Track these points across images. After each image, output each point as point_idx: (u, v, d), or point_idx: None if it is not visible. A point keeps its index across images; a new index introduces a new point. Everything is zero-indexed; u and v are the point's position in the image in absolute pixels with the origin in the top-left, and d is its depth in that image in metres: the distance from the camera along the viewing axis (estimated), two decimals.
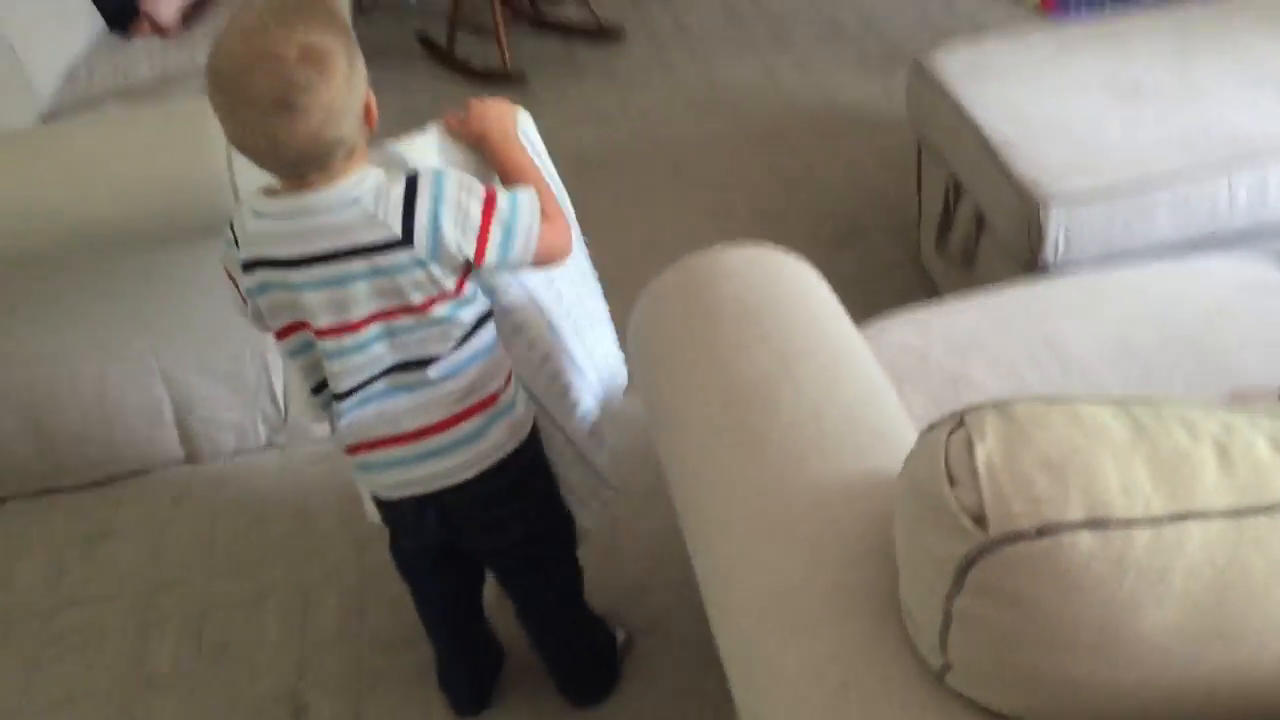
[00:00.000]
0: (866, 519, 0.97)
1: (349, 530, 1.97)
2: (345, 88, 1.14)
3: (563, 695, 1.65)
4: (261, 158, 1.16)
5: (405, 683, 1.72)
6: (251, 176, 1.32)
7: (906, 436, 1.11)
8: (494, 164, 1.36)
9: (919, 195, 2.34)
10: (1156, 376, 1.39)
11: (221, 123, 1.15)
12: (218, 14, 2.79)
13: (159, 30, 2.78)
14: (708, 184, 2.80)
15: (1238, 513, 0.73)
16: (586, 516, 1.58)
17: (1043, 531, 0.72)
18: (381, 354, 1.28)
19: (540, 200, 1.29)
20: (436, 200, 1.21)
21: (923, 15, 3.43)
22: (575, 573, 1.58)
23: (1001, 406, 0.80)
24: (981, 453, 0.76)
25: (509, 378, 1.37)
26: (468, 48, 3.47)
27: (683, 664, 1.69)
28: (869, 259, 2.48)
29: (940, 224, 2.17)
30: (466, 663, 1.66)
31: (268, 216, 1.23)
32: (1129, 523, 0.72)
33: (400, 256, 1.21)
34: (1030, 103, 1.95)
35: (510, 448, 1.39)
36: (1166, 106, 1.88)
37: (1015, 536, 0.72)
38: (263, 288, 1.26)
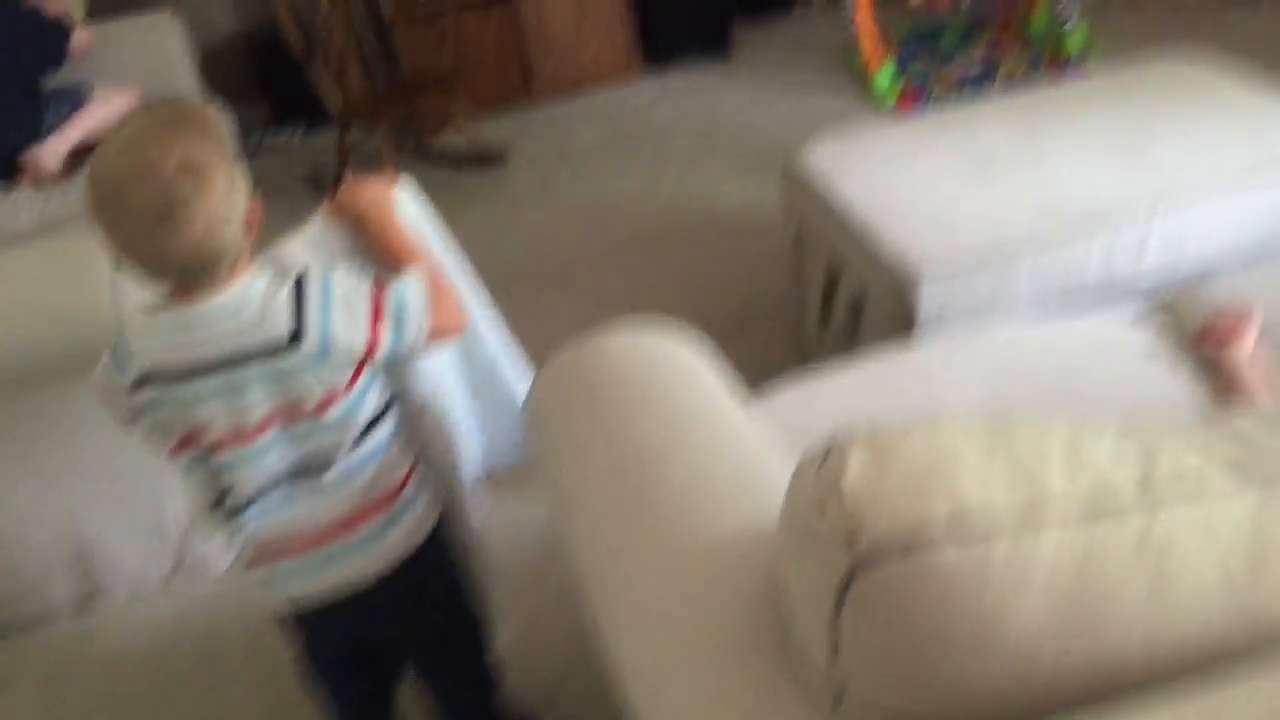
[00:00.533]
0: (758, 569, 1.00)
1: (254, 662, 1.93)
2: (224, 198, 1.17)
3: None
4: (147, 268, 1.18)
5: None
6: (136, 299, 1.33)
7: None
8: (376, 246, 1.37)
9: (800, 286, 2.43)
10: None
11: (105, 236, 1.16)
12: None
13: (40, 180, 2.78)
14: (597, 291, 2.87)
15: (1087, 518, 0.78)
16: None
17: (908, 550, 0.76)
18: (278, 459, 1.29)
19: (428, 279, 1.32)
20: (325, 298, 1.23)
21: (791, 122, 3.60)
22: (489, 669, 1.57)
23: (865, 436, 0.84)
24: (846, 480, 0.80)
25: (409, 474, 1.38)
26: None
27: None
28: (756, 352, 2.55)
29: (821, 310, 2.26)
30: None
31: (154, 333, 1.24)
32: (987, 536, 0.76)
33: (292, 358, 1.22)
34: (893, 191, 2.06)
35: (413, 544, 1.39)
36: (1018, 180, 2.01)
37: (882, 559, 0.76)
38: (151, 405, 1.26)
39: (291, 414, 1.26)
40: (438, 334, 1.32)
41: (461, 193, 3.49)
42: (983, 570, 0.75)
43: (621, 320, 2.69)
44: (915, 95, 3.61)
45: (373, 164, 3.48)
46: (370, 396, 1.31)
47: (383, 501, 1.35)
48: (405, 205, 1.44)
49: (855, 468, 0.81)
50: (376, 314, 1.25)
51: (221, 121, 1.24)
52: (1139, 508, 0.79)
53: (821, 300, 2.24)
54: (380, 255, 1.37)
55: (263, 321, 1.21)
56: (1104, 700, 0.77)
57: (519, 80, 3.96)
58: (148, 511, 2.04)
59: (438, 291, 1.33)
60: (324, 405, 1.26)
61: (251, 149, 3.88)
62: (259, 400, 1.24)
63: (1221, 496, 0.80)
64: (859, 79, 3.74)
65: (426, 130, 3.70)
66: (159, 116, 1.18)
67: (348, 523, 1.34)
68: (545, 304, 2.86)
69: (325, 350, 1.23)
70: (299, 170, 3.70)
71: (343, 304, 1.23)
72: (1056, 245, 1.88)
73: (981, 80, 3.64)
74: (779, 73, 3.98)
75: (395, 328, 1.26)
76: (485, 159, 3.61)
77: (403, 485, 1.37)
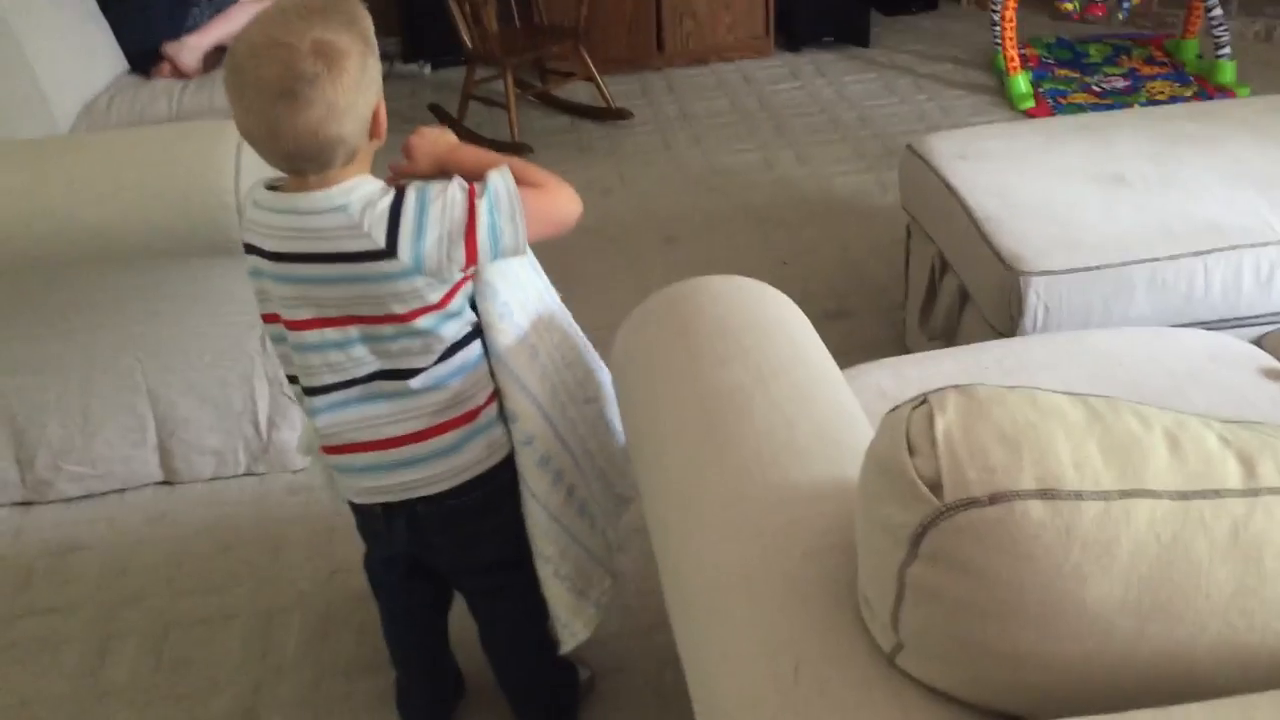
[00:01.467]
0: (830, 518, 0.99)
1: (319, 561, 1.97)
2: (353, 89, 1.17)
3: None
4: (261, 146, 1.20)
5: (364, 707, 1.70)
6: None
7: None
8: (459, 172, 1.32)
9: (906, 275, 2.39)
10: None
11: (231, 107, 1.19)
12: None
13: (179, 73, 2.86)
14: (699, 257, 2.86)
15: (1184, 495, 0.75)
16: (577, 621, 1.51)
17: (995, 499, 0.74)
18: (362, 357, 1.30)
19: (516, 171, 1.30)
20: (420, 217, 1.22)
21: (919, 115, 3.55)
22: (542, 603, 1.58)
23: (964, 387, 0.82)
24: (941, 425, 0.78)
25: (492, 395, 1.39)
26: (478, 118, 3.57)
27: (644, 706, 1.67)
28: (854, 337, 2.52)
29: (925, 300, 2.22)
30: (426, 687, 1.64)
31: (263, 208, 1.26)
32: (1079, 495, 0.74)
33: (383, 267, 1.22)
34: (1016, 185, 2.01)
35: (486, 465, 1.40)
36: (1146, 195, 1.94)
37: (968, 503, 0.74)
38: (255, 273, 1.29)
39: (377, 319, 1.27)
40: (540, 220, 1.30)
41: (578, 143, 3.51)
42: (1069, 530, 0.73)
43: None
44: (1052, 103, 3.52)
45: (496, 104, 3.51)
46: (461, 315, 1.32)
47: (462, 418, 1.36)
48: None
49: (951, 414, 0.79)
50: (471, 224, 1.24)
51: (367, 17, 1.25)
52: (1241, 493, 0.76)
53: (926, 292, 2.20)
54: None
55: (357, 228, 1.21)
56: (1165, 701, 0.75)
57: (651, 42, 3.96)
58: (241, 397, 2.09)
59: (533, 181, 1.32)
60: (412, 316, 1.26)
61: (385, 75, 3.94)
62: (340, 300, 1.26)
63: None
64: (997, 80, 3.66)
65: (552, 78, 3.72)
66: (309, 1, 1.20)
67: (425, 432, 1.34)
68: (646, 262, 2.86)
69: (419, 264, 1.23)
70: (425, 99, 3.76)
71: (437, 222, 1.23)
72: (1180, 259, 1.82)
73: (1125, 96, 3.54)
74: (916, 64, 3.91)
75: (490, 231, 1.25)
76: (607, 113, 3.61)
77: (485, 404, 1.37)
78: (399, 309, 1.26)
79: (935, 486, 0.76)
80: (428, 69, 4.07)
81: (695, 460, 1.13)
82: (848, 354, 2.45)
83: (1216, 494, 0.76)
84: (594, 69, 3.53)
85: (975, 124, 3.44)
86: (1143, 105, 3.46)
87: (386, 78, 4.25)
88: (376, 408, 1.34)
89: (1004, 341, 1.61)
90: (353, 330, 1.28)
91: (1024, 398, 0.81)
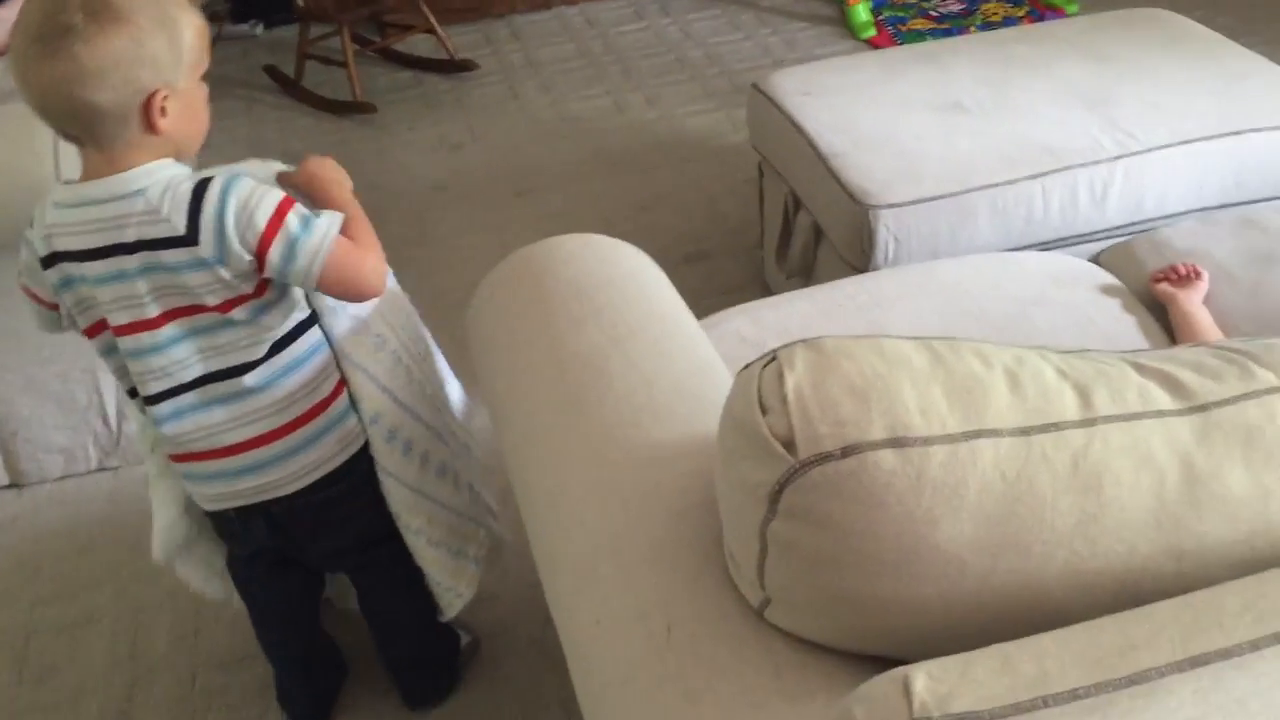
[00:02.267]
0: (692, 476, 0.99)
1: None
2: (110, 56, 1.10)
3: (405, 700, 1.62)
4: (32, 105, 1.15)
5: (242, 700, 1.66)
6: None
7: None
8: (319, 201, 1.29)
9: (761, 214, 2.41)
10: None
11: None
12: None
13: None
14: (555, 208, 2.83)
15: (1025, 431, 0.77)
16: (460, 583, 1.52)
17: (847, 451, 0.75)
18: (186, 358, 1.24)
19: (351, 228, 1.25)
20: (223, 201, 1.16)
21: (764, 50, 3.55)
22: (418, 571, 1.55)
23: (811, 342, 0.83)
24: (791, 381, 0.79)
25: (339, 385, 1.35)
26: (317, 78, 3.44)
27: (528, 666, 1.68)
28: (715, 279, 2.54)
29: (780, 238, 2.24)
30: (305, 679, 1.61)
31: (64, 206, 1.20)
32: (926, 441, 0.75)
33: (184, 255, 1.17)
34: (859, 119, 2.03)
35: (341, 459, 1.36)
36: (984, 121, 1.99)
37: (822, 458, 0.75)
38: (65, 282, 1.23)
39: (192, 310, 1.21)
40: (337, 277, 1.22)
41: (424, 99, 3.41)
42: (919, 476, 0.74)
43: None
44: (893, 31, 3.57)
45: (335, 62, 3.39)
46: (285, 304, 1.27)
47: (310, 414, 1.32)
48: None
49: (800, 371, 0.79)
50: (273, 227, 1.18)
51: (182, 9, 1.18)
52: (1079, 424, 0.78)
53: (780, 229, 2.22)
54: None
55: (156, 213, 1.16)
56: (1023, 632, 0.77)
57: None
58: (85, 391, 1.99)
59: (361, 243, 1.26)
60: (227, 306, 1.21)
61: (214, 37, 3.76)
62: (149, 293, 1.20)
63: (1163, 417, 0.80)
64: (839, 10, 3.69)
65: (391, 32, 3.61)
66: None
67: (270, 434, 1.30)
68: (501, 217, 2.82)
69: (220, 254, 1.17)
70: (258, 61, 3.60)
71: (240, 210, 1.17)
72: (1018, 183, 1.87)
73: (961, 19, 3.61)
74: None
75: (288, 248, 1.18)
76: (451, 66, 3.53)
77: (333, 396, 1.33)
78: (211, 300, 1.21)
79: (789, 444, 0.76)
80: (260, 28, 3.90)
81: (556, 426, 1.12)
82: (709, 296, 2.48)
83: (1055, 427, 0.78)
84: (434, 21, 3.44)
85: (819, 56, 3.47)
86: (979, 28, 3.54)
87: (216, 39, 4.04)
88: (212, 414, 1.28)
89: (856, 279, 1.64)
90: (171, 326, 1.22)
91: (870, 347, 0.82)
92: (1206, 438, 0.79)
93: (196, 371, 1.25)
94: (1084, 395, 0.81)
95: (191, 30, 1.18)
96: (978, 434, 0.76)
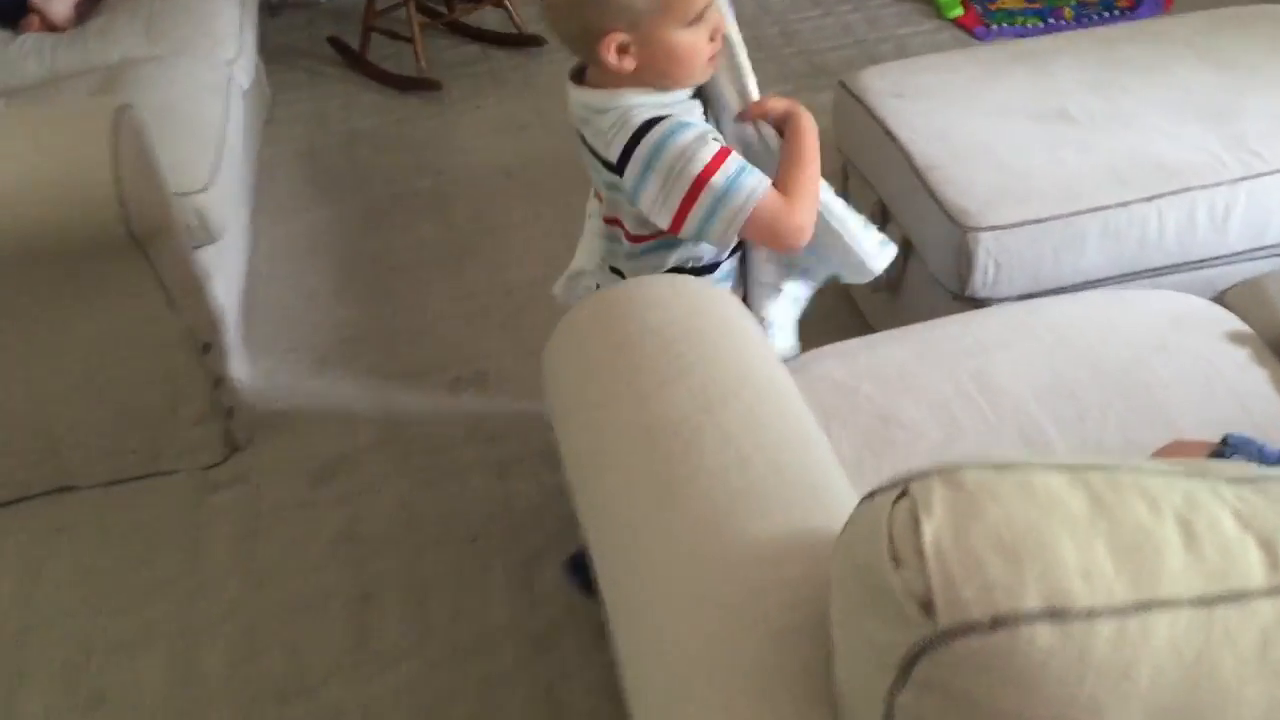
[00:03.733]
0: (794, 586, 0.90)
1: (243, 566, 1.85)
2: None
3: None
4: None
5: None
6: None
7: (838, 487, 1.04)
8: (788, 142, 1.35)
9: None
10: (1090, 417, 1.34)
11: None
12: (112, 10, 2.63)
13: (50, 26, 2.61)
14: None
15: (1206, 601, 0.67)
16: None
17: (997, 623, 0.65)
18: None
19: (790, 185, 1.30)
20: (647, 163, 1.27)
21: (845, 28, 3.40)
22: None
23: (949, 474, 0.72)
24: (929, 530, 0.69)
25: None
26: (381, 51, 3.35)
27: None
28: None
29: None
30: None
31: (576, 99, 1.36)
32: (1090, 613, 0.65)
33: (618, 180, 1.32)
34: (957, 127, 1.90)
35: None
36: (1093, 133, 1.85)
37: (967, 628, 0.65)
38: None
39: (616, 223, 1.42)
40: (759, 232, 1.32)
41: (492, 76, 3.31)
42: (1082, 655, 0.64)
43: None
44: (980, 10, 3.39)
45: (401, 37, 3.29)
46: (689, 248, 1.40)
47: None
48: None
49: (939, 516, 0.69)
50: (691, 198, 1.27)
51: None
52: (1268, 592, 0.67)
53: None
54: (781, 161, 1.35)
55: (606, 140, 1.31)
56: None
57: None
58: (152, 399, 1.93)
59: (792, 197, 1.31)
60: (639, 239, 1.39)
61: (278, 4, 3.68)
62: (607, 195, 1.40)
63: None
64: None
65: (460, 4, 3.49)
66: None
67: None
68: (568, 206, 2.69)
69: (635, 199, 1.31)
70: (322, 31, 3.51)
71: (662, 176, 1.27)
72: (1131, 205, 1.73)
73: (1054, 2, 3.42)
74: None
75: (706, 216, 1.28)
76: (519, 40, 3.41)
77: None
78: (630, 225, 1.39)
79: (927, 605, 0.66)
80: None
81: (644, 509, 1.03)
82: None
83: (1241, 596, 0.67)
84: None
85: (903, 36, 3.31)
86: (1073, 7, 3.35)
87: (283, 7, 3.98)
88: None
89: (957, 319, 1.51)
90: (610, 229, 1.46)
91: (1019, 486, 0.71)
92: None
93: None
94: (1271, 551, 0.69)
95: None
96: (1150, 605, 0.66)
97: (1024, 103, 1.95)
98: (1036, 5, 3.39)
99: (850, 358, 1.45)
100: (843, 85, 2.12)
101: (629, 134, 1.28)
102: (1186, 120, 1.86)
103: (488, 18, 3.50)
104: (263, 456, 2.03)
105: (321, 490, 1.96)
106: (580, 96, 1.34)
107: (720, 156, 1.26)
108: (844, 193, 2.25)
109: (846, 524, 0.76)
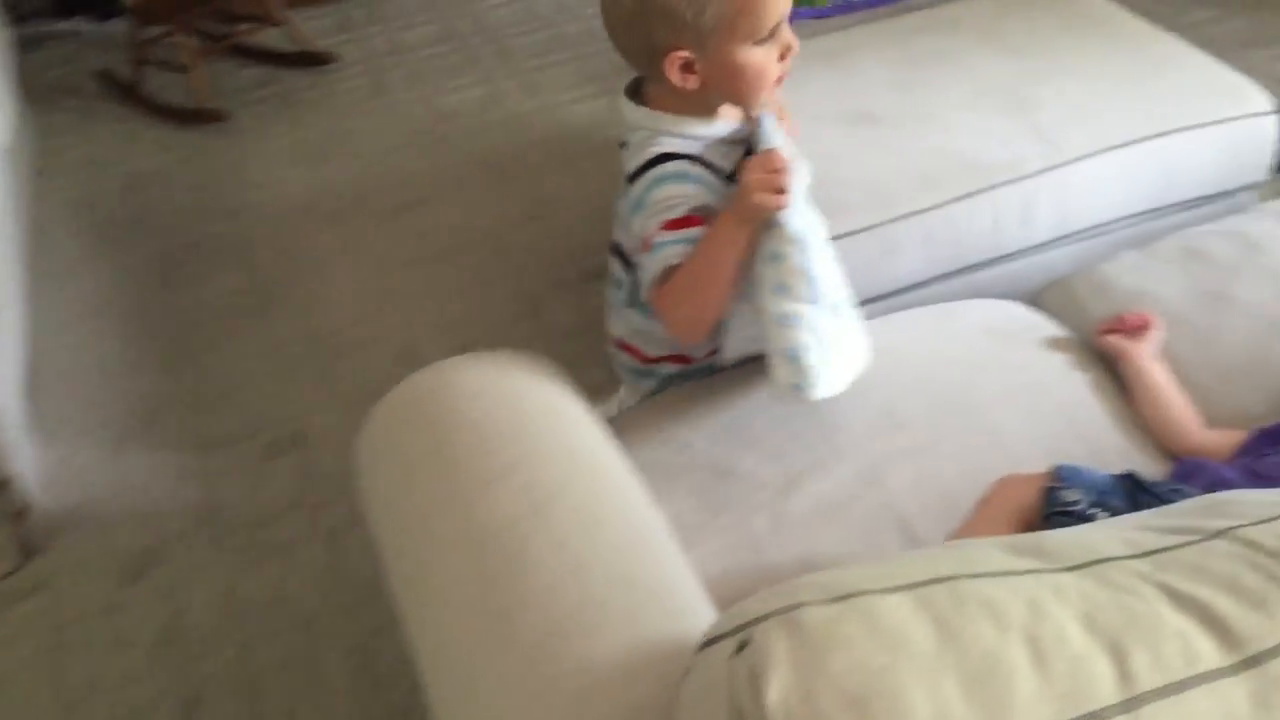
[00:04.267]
0: (641, 712, 0.84)
1: (51, 687, 1.69)
2: (625, 9, 1.19)
3: None
4: None
5: None
6: None
7: (683, 585, 0.99)
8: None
9: None
10: (926, 448, 1.32)
11: None
12: None
13: None
14: (440, 224, 2.61)
15: None
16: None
17: None
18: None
19: (683, 276, 1.25)
20: (641, 198, 1.26)
21: None
22: None
23: (788, 616, 0.67)
24: (774, 691, 0.63)
25: (665, 357, 1.47)
26: (158, 82, 3.13)
27: None
28: None
29: None
30: None
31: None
32: None
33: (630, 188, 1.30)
34: None
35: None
36: (900, 134, 1.84)
37: None
38: None
39: (616, 252, 1.43)
40: (660, 307, 1.30)
41: (283, 99, 3.13)
42: None
43: (466, 261, 2.47)
44: None
45: (174, 66, 3.08)
46: None
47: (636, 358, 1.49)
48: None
49: (784, 674, 0.64)
50: (646, 244, 1.27)
51: None
52: (1121, 707, 0.64)
53: None
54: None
55: (632, 154, 1.28)
56: None
57: None
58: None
59: (676, 291, 1.27)
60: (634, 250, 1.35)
61: (34, 38, 3.39)
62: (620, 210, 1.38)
63: (1214, 681, 0.66)
64: None
65: (238, 25, 3.29)
66: None
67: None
68: (378, 238, 2.59)
69: (630, 216, 1.30)
70: (90, 64, 3.26)
71: (645, 212, 1.26)
72: (944, 207, 1.73)
73: None
74: None
75: (647, 261, 1.28)
76: (308, 59, 3.24)
77: (655, 361, 1.47)
78: (625, 242, 1.38)
79: None
80: (90, 26, 3.53)
81: (475, 636, 0.95)
82: None
83: (1093, 718, 0.64)
84: (283, 11, 3.14)
85: None
86: None
87: (41, 41, 3.65)
88: None
89: None
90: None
91: (862, 622, 0.66)
92: (1265, 703, 0.66)
93: None
94: (1120, 659, 0.67)
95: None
96: None
97: (829, 107, 1.93)
98: None
99: (684, 407, 1.40)
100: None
101: (648, 156, 1.26)
102: (987, 113, 1.87)
103: (273, 36, 3.31)
104: (64, 558, 1.86)
105: (133, 589, 1.81)
106: (631, 114, 1.29)
107: (682, 223, 1.24)
108: None
109: (686, 676, 0.70)
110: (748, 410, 1.38)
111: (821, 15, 3.27)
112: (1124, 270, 1.55)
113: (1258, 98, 1.90)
